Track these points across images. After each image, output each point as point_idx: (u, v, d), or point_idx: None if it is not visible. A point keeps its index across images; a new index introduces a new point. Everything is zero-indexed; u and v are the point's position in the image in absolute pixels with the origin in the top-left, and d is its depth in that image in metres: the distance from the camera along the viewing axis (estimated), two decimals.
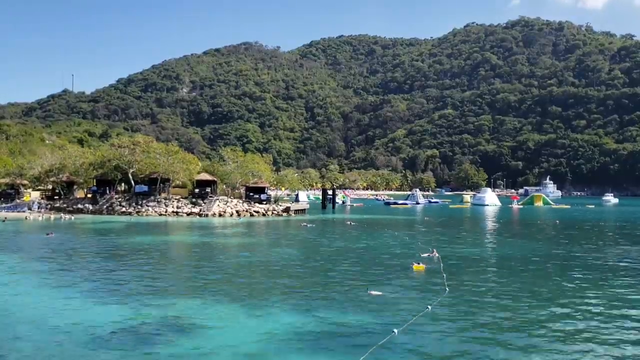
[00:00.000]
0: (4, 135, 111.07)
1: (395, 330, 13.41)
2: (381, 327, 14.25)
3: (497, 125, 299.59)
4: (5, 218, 55.41)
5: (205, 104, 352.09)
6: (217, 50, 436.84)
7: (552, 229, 51.61)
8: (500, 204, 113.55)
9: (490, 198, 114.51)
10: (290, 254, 29.49)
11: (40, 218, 56.62)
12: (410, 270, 23.88)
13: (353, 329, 14.21)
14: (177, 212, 63.11)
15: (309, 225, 51.14)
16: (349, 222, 56.65)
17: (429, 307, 16.23)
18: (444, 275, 22.05)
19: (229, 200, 68.49)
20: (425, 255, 28.18)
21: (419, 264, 24.68)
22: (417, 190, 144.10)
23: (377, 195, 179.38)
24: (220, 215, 62.88)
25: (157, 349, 12.47)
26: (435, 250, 29.13)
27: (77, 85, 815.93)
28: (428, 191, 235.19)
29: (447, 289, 19.22)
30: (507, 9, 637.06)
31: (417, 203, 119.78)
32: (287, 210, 68.40)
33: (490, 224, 60.12)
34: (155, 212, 63.03)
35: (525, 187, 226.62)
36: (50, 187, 76.14)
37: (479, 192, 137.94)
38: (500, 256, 29.78)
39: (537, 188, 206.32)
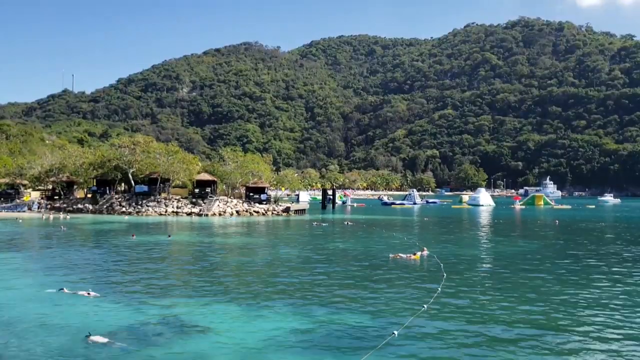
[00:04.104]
0: (4, 135, 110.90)
1: (395, 332, 13.42)
2: (381, 327, 14.29)
3: (497, 126, 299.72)
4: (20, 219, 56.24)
5: (205, 104, 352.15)
6: (217, 50, 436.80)
7: (552, 229, 51.67)
8: (494, 204, 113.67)
9: (485, 199, 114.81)
10: (294, 254, 29.54)
11: (50, 218, 56.94)
12: (402, 265, 24.01)
13: (353, 329, 14.22)
14: (177, 212, 63.15)
15: (323, 224, 52.27)
16: (346, 222, 57.03)
17: (425, 306, 16.33)
18: (444, 274, 22.09)
19: (229, 200, 68.53)
20: (418, 253, 28.63)
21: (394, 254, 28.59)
22: (414, 190, 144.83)
23: (380, 196, 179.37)
24: (220, 215, 62.91)
25: (156, 350, 12.49)
26: (425, 248, 29.78)
27: (77, 85, 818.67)
28: (428, 191, 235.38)
29: (440, 288, 19.27)
30: (507, 9, 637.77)
31: (415, 203, 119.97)
32: (287, 210, 68.43)
33: (491, 225, 60.08)
34: (155, 212, 63.06)
35: (525, 188, 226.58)
36: (50, 187, 76.12)
37: (474, 193, 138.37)
38: (497, 256, 29.77)
39: (537, 188, 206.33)
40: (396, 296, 18.39)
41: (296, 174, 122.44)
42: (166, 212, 63.18)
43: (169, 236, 37.68)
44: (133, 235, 37.76)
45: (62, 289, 18.30)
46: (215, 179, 71.27)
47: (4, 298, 17.58)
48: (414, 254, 28.08)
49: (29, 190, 76.19)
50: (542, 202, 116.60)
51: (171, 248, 33.17)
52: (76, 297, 17.63)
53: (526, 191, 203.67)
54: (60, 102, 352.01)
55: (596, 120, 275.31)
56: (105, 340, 12.85)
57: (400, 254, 28.23)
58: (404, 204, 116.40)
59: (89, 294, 17.33)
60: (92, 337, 12.87)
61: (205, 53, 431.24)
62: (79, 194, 75.00)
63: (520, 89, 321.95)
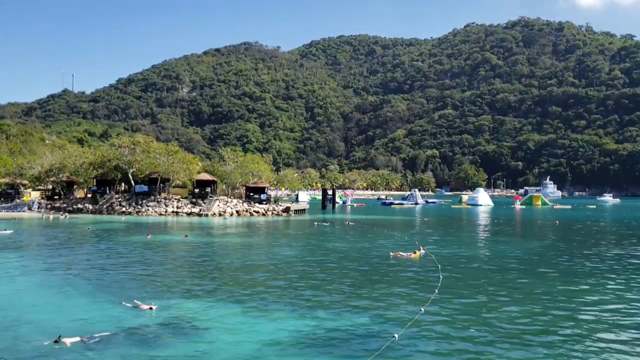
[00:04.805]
0: (4, 135, 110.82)
1: (396, 335, 13.39)
2: (379, 330, 14.33)
3: (497, 125, 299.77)
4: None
5: (205, 104, 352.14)
6: (217, 50, 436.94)
7: (552, 229, 51.67)
8: (492, 204, 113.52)
9: (483, 198, 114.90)
10: (293, 255, 29.53)
11: (50, 218, 56.96)
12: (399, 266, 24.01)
13: (352, 332, 14.25)
14: (177, 212, 63.13)
15: (325, 224, 53.02)
16: (347, 223, 57.06)
17: (422, 309, 16.35)
18: (440, 275, 22.09)
19: (229, 200, 68.51)
20: (417, 252, 28.95)
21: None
22: (416, 190, 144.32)
23: (379, 196, 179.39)
24: (220, 215, 62.89)
25: (157, 350, 12.49)
26: (422, 247, 30.39)
27: (77, 85, 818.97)
28: (428, 191, 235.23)
29: (436, 290, 19.24)
30: (507, 9, 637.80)
31: (416, 203, 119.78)
32: (287, 210, 68.40)
33: (491, 225, 60.04)
34: (155, 212, 63.03)
35: (525, 187, 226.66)
36: (50, 187, 76.08)
37: (472, 193, 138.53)
38: (492, 256, 29.73)
39: (537, 188, 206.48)
40: (394, 298, 18.39)
41: (296, 174, 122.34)
42: (166, 212, 63.15)
43: (186, 236, 38.64)
44: (148, 235, 38.60)
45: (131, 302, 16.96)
46: (215, 179, 71.24)
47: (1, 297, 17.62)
48: (414, 253, 28.62)
49: (29, 190, 76.09)
50: (539, 202, 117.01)
51: (182, 248, 33.27)
52: (75, 298, 17.65)
53: (526, 191, 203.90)
54: (60, 102, 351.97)
55: (596, 120, 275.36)
56: (76, 339, 12.76)
57: (400, 252, 28.75)
58: (403, 204, 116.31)
59: (151, 308, 16.14)
60: (63, 339, 12.70)
61: (205, 53, 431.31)
62: (79, 193, 74.94)
63: (520, 89, 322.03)
